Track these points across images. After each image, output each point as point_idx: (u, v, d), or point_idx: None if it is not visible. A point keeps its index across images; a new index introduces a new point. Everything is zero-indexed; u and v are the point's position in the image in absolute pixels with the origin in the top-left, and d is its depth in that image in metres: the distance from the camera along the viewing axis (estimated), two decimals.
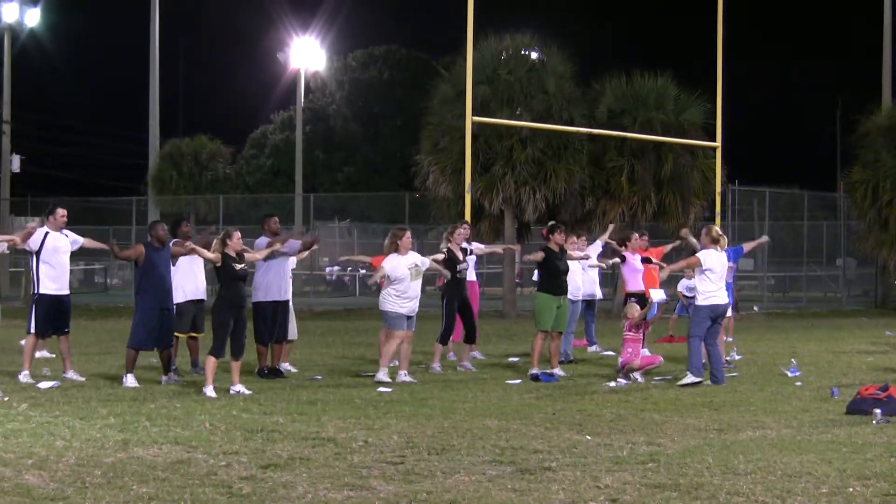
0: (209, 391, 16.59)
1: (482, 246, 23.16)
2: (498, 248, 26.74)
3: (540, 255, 19.50)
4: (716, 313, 18.60)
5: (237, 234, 17.47)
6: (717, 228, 19.43)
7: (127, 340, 18.25)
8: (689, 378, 18.07)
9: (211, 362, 16.97)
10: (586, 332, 24.67)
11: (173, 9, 62.48)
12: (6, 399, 15.48)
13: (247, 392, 16.55)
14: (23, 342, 23.19)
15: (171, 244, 18.46)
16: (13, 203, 60.44)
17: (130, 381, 17.79)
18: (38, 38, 63.25)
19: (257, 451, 11.83)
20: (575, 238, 23.29)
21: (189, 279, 19.21)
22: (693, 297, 29.71)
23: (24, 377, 18.20)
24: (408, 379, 18.47)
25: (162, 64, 53.00)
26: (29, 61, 69.34)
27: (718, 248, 18.72)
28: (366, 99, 76.67)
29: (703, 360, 18.46)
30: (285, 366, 19.79)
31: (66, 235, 18.77)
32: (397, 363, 19.27)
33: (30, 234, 18.41)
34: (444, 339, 20.73)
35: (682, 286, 28.94)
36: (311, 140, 72.51)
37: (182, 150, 59.51)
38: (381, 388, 17.29)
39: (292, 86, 64.71)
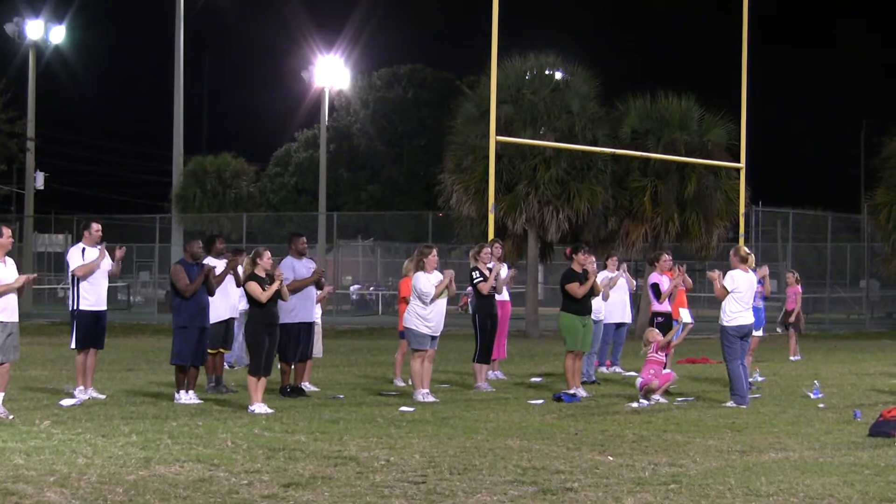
0: (258, 408, 16.59)
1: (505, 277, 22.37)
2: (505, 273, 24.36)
3: (581, 289, 19.42)
4: (741, 333, 18.44)
5: (267, 254, 17.39)
6: (744, 248, 19.34)
7: (170, 359, 18.35)
8: (733, 405, 18.02)
9: (252, 382, 16.94)
10: (612, 353, 24.55)
11: (198, 26, 62.61)
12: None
13: (268, 411, 16.54)
14: None
15: (207, 263, 18.56)
16: (37, 220, 60.69)
17: (183, 397, 17.85)
18: (63, 56, 63.61)
19: (279, 469, 11.84)
20: (616, 259, 23.20)
21: (222, 298, 19.19)
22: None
23: (80, 392, 18.22)
24: (429, 398, 18.45)
25: (186, 81, 53.25)
26: (53, 79, 69.80)
27: (746, 267, 18.61)
28: (390, 118, 76.85)
29: (751, 379, 18.20)
30: (306, 385, 19.78)
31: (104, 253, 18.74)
32: (410, 382, 19.28)
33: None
34: (481, 358, 20.61)
35: None
36: (335, 158, 72.69)
37: (206, 168, 59.54)
38: (403, 408, 17.27)
39: (317, 104, 64.98)
